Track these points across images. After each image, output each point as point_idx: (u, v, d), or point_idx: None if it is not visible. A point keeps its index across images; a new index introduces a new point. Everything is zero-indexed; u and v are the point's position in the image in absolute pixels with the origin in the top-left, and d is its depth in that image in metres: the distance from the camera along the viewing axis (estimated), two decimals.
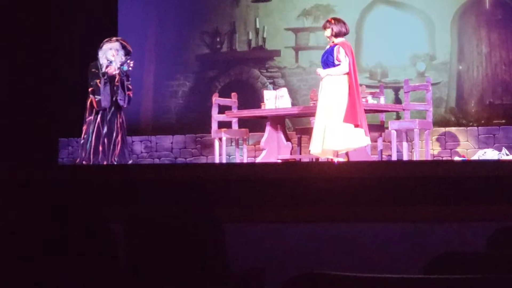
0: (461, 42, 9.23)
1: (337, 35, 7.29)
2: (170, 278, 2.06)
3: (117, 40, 8.16)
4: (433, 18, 9.33)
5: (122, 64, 8.00)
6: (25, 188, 2.29)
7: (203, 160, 9.86)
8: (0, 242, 2.03)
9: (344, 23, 7.35)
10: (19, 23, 9.63)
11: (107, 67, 7.96)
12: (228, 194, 2.29)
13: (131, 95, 8.06)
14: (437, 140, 9.00)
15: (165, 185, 2.29)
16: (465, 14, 9.26)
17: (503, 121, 8.86)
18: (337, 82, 7.19)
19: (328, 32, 7.31)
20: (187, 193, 2.29)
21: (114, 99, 7.95)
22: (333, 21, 7.33)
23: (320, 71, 7.31)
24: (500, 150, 8.38)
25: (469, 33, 9.22)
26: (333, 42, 7.33)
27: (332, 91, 7.18)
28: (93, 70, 7.99)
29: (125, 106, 8.03)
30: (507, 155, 8.21)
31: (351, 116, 7.07)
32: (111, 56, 7.99)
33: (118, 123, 7.98)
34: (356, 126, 7.07)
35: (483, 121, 8.98)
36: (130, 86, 8.07)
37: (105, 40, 8.11)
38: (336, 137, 7.07)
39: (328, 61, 7.28)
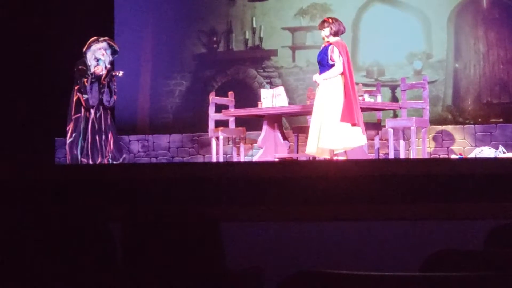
0: (458, 40, 9.24)
1: (335, 33, 7.29)
2: (168, 278, 2.06)
3: (104, 40, 8.21)
4: (429, 16, 9.33)
5: (111, 69, 8.08)
6: (23, 188, 2.29)
7: (200, 159, 9.85)
8: None
9: (341, 22, 7.36)
10: (17, 23, 9.62)
11: (95, 66, 8.01)
12: (225, 193, 2.29)
13: (115, 98, 8.16)
14: (434, 138, 9.01)
15: (162, 184, 2.28)
16: (461, 12, 9.27)
17: (501, 119, 8.87)
18: (332, 82, 7.19)
19: (326, 32, 7.28)
20: (185, 192, 2.29)
21: (101, 97, 8.03)
22: (330, 20, 7.33)
23: (317, 78, 7.29)
24: (496, 148, 8.39)
25: (466, 32, 9.23)
26: (328, 41, 7.32)
27: (327, 91, 7.18)
28: (80, 67, 8.03)
29: (109, 106, 8.12)
30: (503, 153, 8.22)
31: (348, 115, 7.07)
32: (100, 55, 8.07)
33: (109, 120, 8.07)
34: (353, 125, 7.08)
35: (480, 119, 8.99)
36: (116, 90, 8.16)
37: (92, 40, 8.15)
38: (333, 137, 7.07)
39: (323, 61, 7.28)
